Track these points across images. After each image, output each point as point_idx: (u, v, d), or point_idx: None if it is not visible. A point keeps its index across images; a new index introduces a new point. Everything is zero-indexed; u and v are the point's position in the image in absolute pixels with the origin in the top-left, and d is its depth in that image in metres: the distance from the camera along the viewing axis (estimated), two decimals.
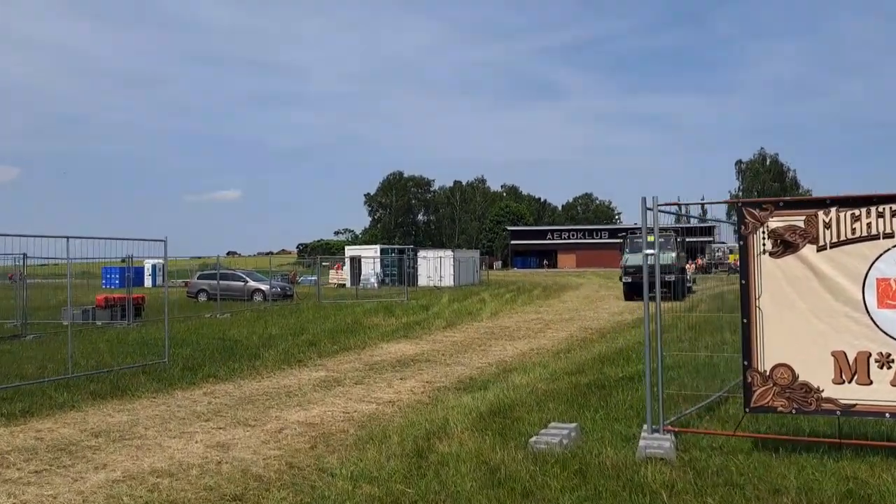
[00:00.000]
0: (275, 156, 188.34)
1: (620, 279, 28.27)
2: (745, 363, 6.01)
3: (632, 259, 27.18)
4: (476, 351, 13.71)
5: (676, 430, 6.36)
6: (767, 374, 5.95)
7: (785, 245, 5.89)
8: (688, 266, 33.22)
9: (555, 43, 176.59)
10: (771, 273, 5.93)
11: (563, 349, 13.52)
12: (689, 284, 29.21)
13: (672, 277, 24.96)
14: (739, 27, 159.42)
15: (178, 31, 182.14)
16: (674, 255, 25.63)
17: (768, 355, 5.95)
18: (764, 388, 5.96)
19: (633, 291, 27.42)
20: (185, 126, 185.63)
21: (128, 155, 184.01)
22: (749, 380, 6.00)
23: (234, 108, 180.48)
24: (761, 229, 5.96)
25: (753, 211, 5.97)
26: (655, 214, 6.30)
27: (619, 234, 30.42)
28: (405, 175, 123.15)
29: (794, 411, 5.92)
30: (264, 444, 6.87)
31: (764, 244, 5.95)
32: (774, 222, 5.91)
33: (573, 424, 6.66)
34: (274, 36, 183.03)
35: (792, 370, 5.88)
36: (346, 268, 46.04)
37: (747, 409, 6.04)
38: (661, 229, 27.61)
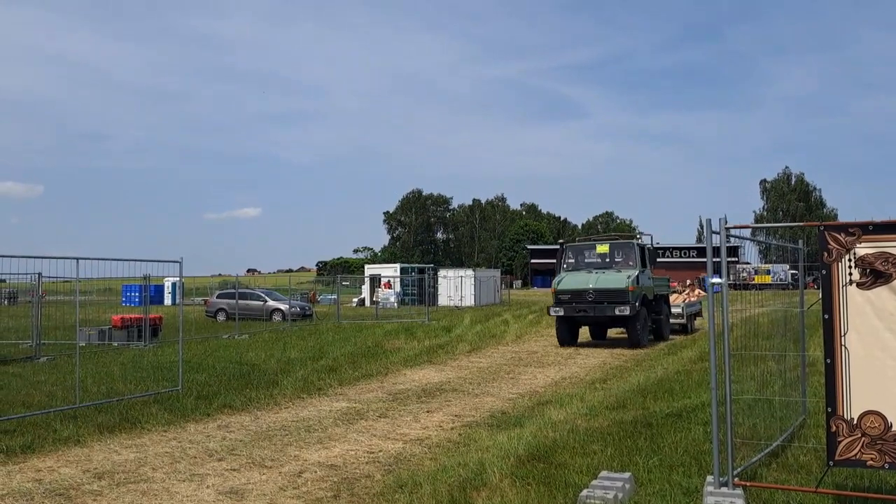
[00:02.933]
0: (295, 173, 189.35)
1: (548, 311, 18.66)
2: (829, 409, 5.25)
3: (568, 281, 18.30)
4: (505, 379, 12.98)
5: (747, 483, 5.60)
6: (855, 422, 5.19)
7: (875, 275, 5.15)
8: (685, 294, 25.58)
9: (573, 60, 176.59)
10: (859, 307, 5.19)
11: (597, 378, 12.75)
12: (680, 321, 22.05)
13: (626, 310, 17.20)
14: (757, 44, 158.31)
15: (199, 49, 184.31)
16: (632, 275, 17.68)
17: (856, 401, 5.19)
18: (851, 439, 5.19)
19: (570, 331, 18.81)
20: (205, 143, 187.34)
21: (150, 172, 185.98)
22: (833, 429, 5.24)
23: (255, 126, 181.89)
24: (847, 256, 5.22)
25: (838, 235, 5.24)
26: (723, 238, 5.59)
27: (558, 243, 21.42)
28: (424, 193, 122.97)
29: (886, 466, 5.15)
30: (282, 491, 6.20)
31: (850, 274, 5.21)
32: (863, 248, 5.18)
33: (626, 474, 5.92)
34: (294, 54, 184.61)
35: (884, 419, 5.11)
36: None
37: (831, 463, 5.27)
38: (619, 239, 19.82)
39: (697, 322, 24.16)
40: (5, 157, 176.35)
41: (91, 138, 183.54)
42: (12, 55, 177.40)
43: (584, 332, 20.62)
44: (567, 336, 18.72)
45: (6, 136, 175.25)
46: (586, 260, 18.90)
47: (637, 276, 17.76)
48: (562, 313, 18.06)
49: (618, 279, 17.73)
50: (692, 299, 24.72)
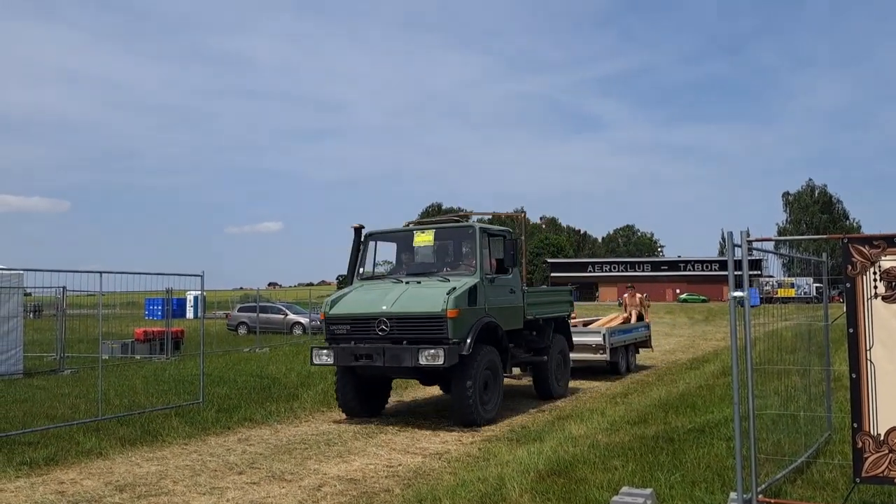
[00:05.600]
0: (315, 188, 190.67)
1: (312, 358, 10.05)
2: (855, 425, 5.16)
3: (349, 301, 10.15)
4: (524, 393, 12.89)
5: (772, 500, 5.50)
6: (882, 438, 5.09)
7: None
8: (635, 310, 17.34)
9: (594, 75, 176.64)
10: (885, 321, 5.10)
11: (618, 392, 12.64)
12: (602, 357, 14.27)
13: (439, 357, 9.07)
14: (780, 57, 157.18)
15: (225, 68, 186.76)
16: (460, 287, 9.53)
17: (882, 417, 5.09)
18: (878, 456, 5.09)
19: (358, 388, 10.30)
20: (228, 159, 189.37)
21: (173, 187, 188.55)
22: (859, 445, 5.14)
23: (277, 142, 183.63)
24: (871, 269, 5.15)
25: (862, 248, 5.17)
26: (744, 251, 5.52)
27: (357, 229, 11.03)
28: (444, 207, 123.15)
29: None
30: None
31: (875, 287, 5.13)
32: (888, 261, 5.10)
33: (648, 490, 5.84)
34: (317, 71, 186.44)
35: None
36: None
37: (858, 480, 5.17)
38: (461, 222, 11.70)
39: (642, 355, 16.79)
40: (34, 173, 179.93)
41: (117, 155, 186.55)
42: (40, 74, 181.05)
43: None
44: (353, 399, 10.35)
45: (35, 153, 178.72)
46: (404, 261, 11.17)
47: (471, 290, 9.66)
48: (330, 361, 9.93)
49: (430, 297, 9.54)
50: (633, 319, 16.69)
